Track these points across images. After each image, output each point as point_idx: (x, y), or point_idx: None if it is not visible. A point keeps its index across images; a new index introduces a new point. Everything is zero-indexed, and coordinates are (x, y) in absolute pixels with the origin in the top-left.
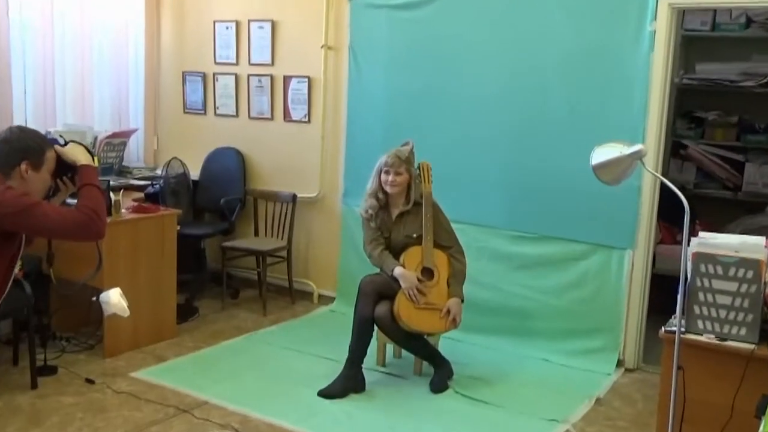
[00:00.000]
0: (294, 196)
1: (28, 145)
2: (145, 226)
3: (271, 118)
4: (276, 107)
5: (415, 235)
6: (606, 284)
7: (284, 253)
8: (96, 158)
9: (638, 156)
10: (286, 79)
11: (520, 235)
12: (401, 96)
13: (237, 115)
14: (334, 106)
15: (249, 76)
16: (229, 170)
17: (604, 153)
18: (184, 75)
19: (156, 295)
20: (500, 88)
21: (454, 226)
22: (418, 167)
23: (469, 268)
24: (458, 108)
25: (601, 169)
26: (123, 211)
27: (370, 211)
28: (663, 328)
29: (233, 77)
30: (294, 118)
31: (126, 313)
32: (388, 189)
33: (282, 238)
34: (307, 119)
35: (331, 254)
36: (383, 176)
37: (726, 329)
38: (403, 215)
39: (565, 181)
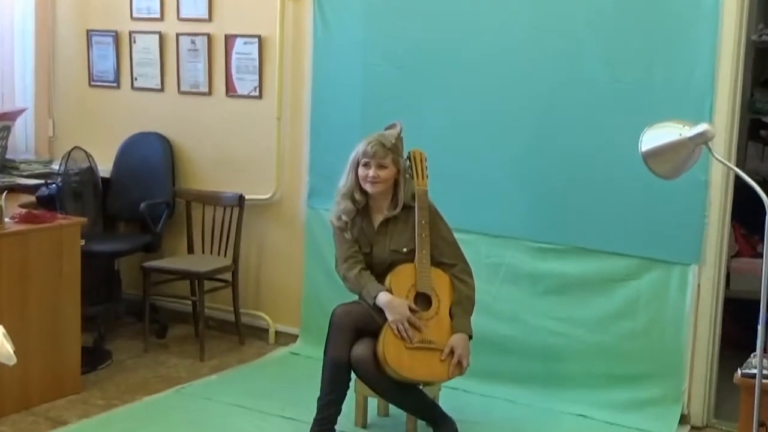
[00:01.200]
0: (241, 199)
1: None
2: (36, 241)
3: (209, 93)
4: (215, 78)
5: (405, 250)
6: (663, 312)
7: (228, 276)
8: None
9: (704, 139)
10: (229, 40)
11: (546, 248)
12: (385, 62)
13: (162, 89)
14: (294, 76)
15: (178, 35)
16: (151, 164)
17: (657, 136)
18: (89, 35)
19: (53, 334)
20: (517, 50)
21: (457, 236)
22: (409, 157)
23: (479, 293)
24: (461, 78)
25: (653, 157)
26: (7, 220)
27: (344, 218)
28: (739, 371)
29: (156, 37)
30: (240, 93)
31: (11, 360)
32: (368, 188)
33: (225, 256)
34: (257, 94)
35: (292, 276)
36: (362, 170)
37: None
38: (389, 223)
39: (605, 174)
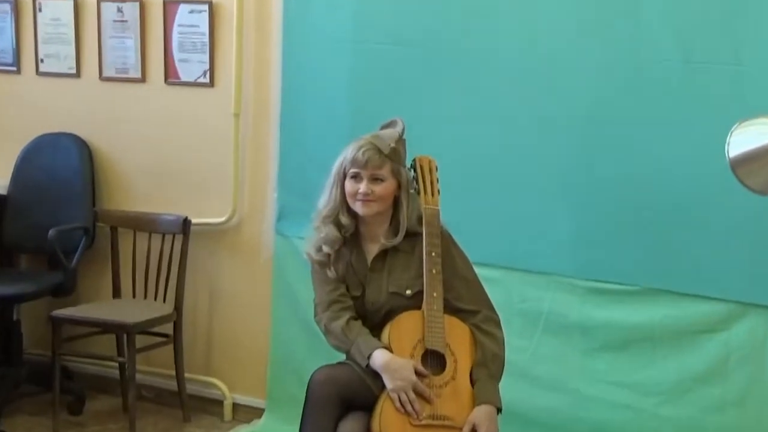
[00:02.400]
0: (186, 224)
1: None
2: None
3: (142, 80)
4: (150, 59)
5: (409, 292)
6: (762, 375)
7: (169, 329)
8: None
9: None
10: (169, 7)
11: (602, 289)
12: (383, 41)
13: (78, 74)
14: (258, 57)
15: (100, 1)
16: (63, 176)
17: (750, 136)
18: None
19: None
20: (557, 33)
21: (481, 273)
22: (413, 167)
23: (511, 351)
24: (484, 64)
25: (744, 165)
26: None
27: (325, 250)
28: None
29: (70, 4)
30: (184, 79)
31: None
32: (358, 208)
33: (164, 301)
34: (207, 81)
35: (256, 329)
36: (350, 185)
37: None
38: (388, 256)
39: (679, 188)
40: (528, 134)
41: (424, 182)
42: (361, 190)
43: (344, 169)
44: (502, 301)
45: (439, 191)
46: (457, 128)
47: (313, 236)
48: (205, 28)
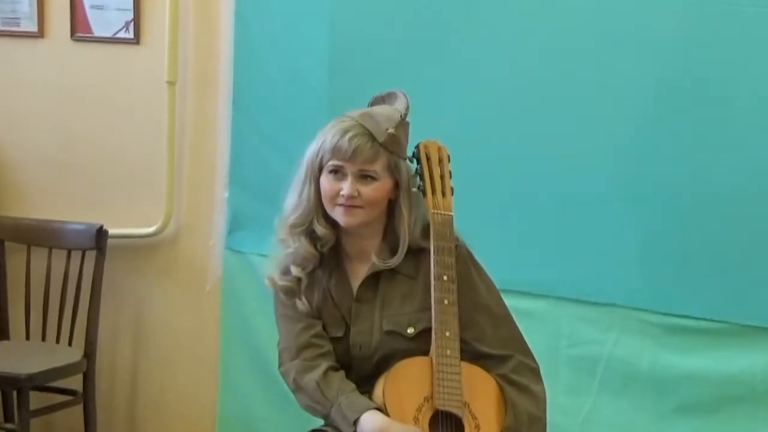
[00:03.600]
0: (100, 236)
1: None
2: None
3: (39, 34)
4: (50, 6)
5: (411, 331)
6: None
7: (78, 382)
8: None
9: None
10: None
11: (684, 326)
12: None
13: None
14: (203, 4)
15: None
16: None
17: None
18: None
19: None
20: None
21: (513, 303)
22: (416, 155)
23: (558, 412)
24: (522, 30)
25: None
26: None
27: (294, 272)
28: None
29: None
30: (98, 35)
31: None
32: (339, 217)
33: (71, 344)
34: (131, 36)
35: (198, 381)
36: (328, 182)
37: None
38: (381, 281)
39: None
40: (577, 123)
41: (431, 178)
42: (343, 192)
43: (320, 160)
44: (543, 343)
45: (452, 190)
46: (479, 108)
47: (277, 253)
48: None
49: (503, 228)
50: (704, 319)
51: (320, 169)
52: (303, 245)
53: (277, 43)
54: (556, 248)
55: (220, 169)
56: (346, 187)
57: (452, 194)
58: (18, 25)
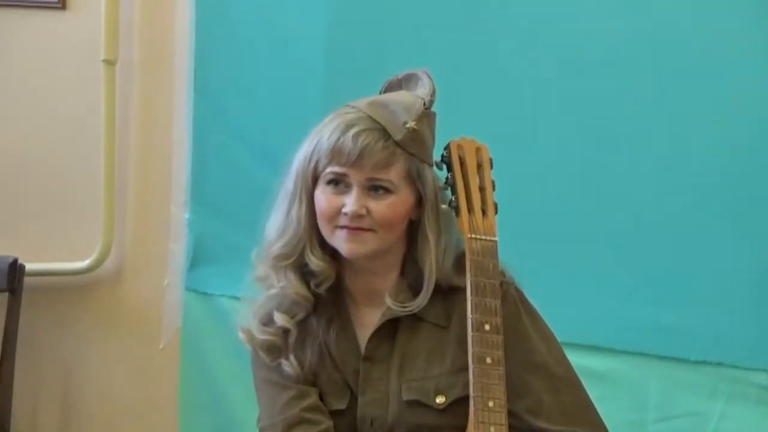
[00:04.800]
0: (14, 272)
1: None
2: None
3: None
4: None
5: (441, 400)
6: None
7: None
8: None
9: None
10: None
11: None
12: None
13: None
14: None
15: None
16: None
17: None
18: None
19: None
20: None
21: (578, 362)
22: (446, 159)
23: None
24: (553, 21)
25: None
26: None
27: (279, 321)
28: None
29: None
30: None
31: None
32: (339, 244)
33: None
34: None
35: None
36: (325, 197)
37: None
38: (398, 330)
39: None
40: (674, 129)
41: (467, 190)
42: (347, 209)
43: (315, 166)
44: (624, 415)
45: (496, 207)
46: (525, 103)
47: (255, 296)
48: None
49: (568, 261)
50: None
51: (315, 180)
52: (291, 284)
53: (256, 9)
54: (642, 289)
55: (177, 182)
56: (350, 202)
57: (496, 213)
58: None
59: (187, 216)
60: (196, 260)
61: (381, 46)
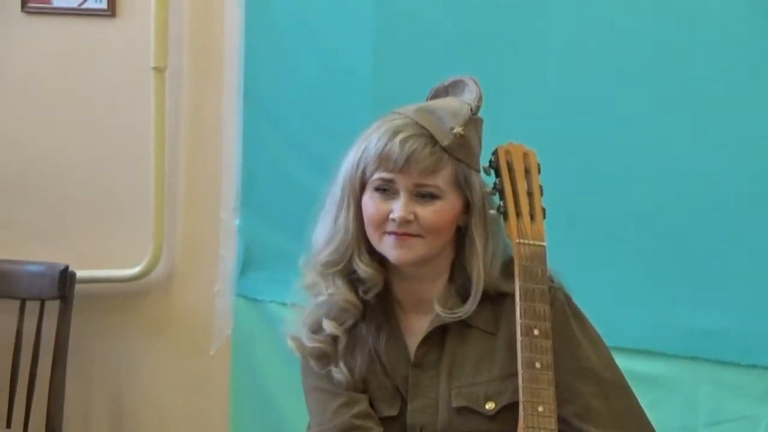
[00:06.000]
0: (66, 279)
1: None
2: None
3: None
4: None
5: (491, 406)
6: None
7: None
8: None
9: None
10: None
11: None
12: None
13: None
14: None
15: None
16: None
17: None
18: None
19: None
20: None
21: (627, 366)
22: (494, 165)
23: None
24: (602, 20)
25: None
26: None
27: (328, 329)
28: None
29: None
30: (59, 4)
31: None
32: (387, 251)
33: (26, 428)
34: (104, 7)
35: None
36: (372, 203)
37: None
38: (447, 337)
39: None
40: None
41: (515, 195)
42: (394, 215)
43: (362, 173)
44: (674, 420)
45: (544, 212)
46: (570, 105)
47: (303, 304)
48: None
49: (616, 263)
50: None
51: (362, 187)
52: (340, 291)
53: (305, 18)
54: (692, 291)
55: (227, 189)
56: (398, 208)
57: (544, 218)
58: None
59: (237, 222)
60: (246, 266)
61: (427, 52)
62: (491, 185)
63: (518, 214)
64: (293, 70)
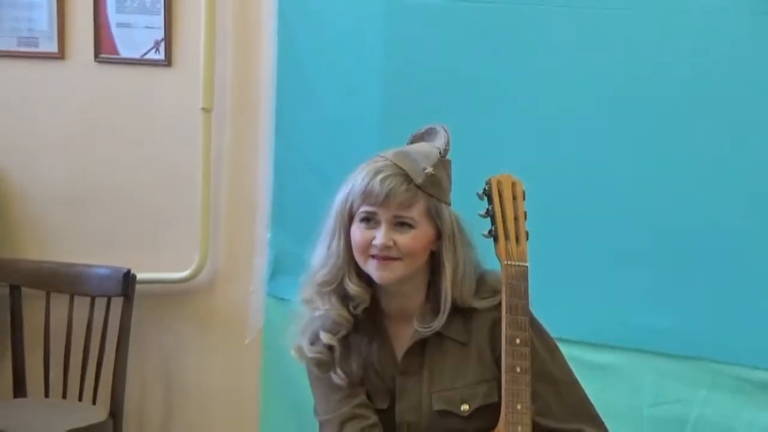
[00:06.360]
0: (128, 281)
1: None
2: None
3: (59, 55)
4: (72, 24)
5: (466, 408)
6: None
7: None
8: None
9: None
10: None
11: None
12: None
13: None
14: (242, 21)
15: None
16: None
17: None
18: None
19: None
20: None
21: (581, 356)
22: (487, 192)
23: None
24: (598, 42)
25: None
26: None
27: (324, 339)
28: None
29: None
30: (125, 55)
31: None
32: (372, 272)
33: (95, 402)
34: (162, 57)
35: None
36: (359, 232)
37: None
38: (428, 347)
39: None
40: (670, 152)
41: (504, 219)
42: (376, 241)
43: (350, 207)
44: (624, 401)
45: (527, 234)
46: (548, 133)
47: (303, 318)
48: None
49: (578, 272)
50: None
51: (350, 218)
52: (334, 307)
53: (326, 66)
54: (641, 295)
55: (262, 207)
56: (379, 236)
57: (527, 239)
58: (36, 45)
59: (268, 236)
60: (275, 272)
61: (429, 93)
62: (485, 210)
63: (506, 237)
64: (316, 111)
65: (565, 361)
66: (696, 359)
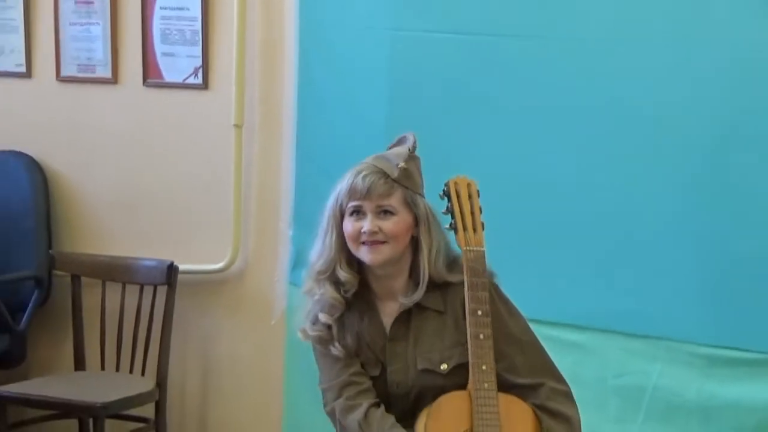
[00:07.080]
0: (171, 271)
1: None
2: None
3: (113, 80)
4: (124, 53)
5: (445, 366)
6: None
7: (150, 411)
8: None
9: None
10: None
11: (731, 358)
12: (432, 31)
13: (29, 74)
14: (267, 51)
15: None
16: (10, 208)
17: None
18: None
19: None
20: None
21: (559, 335)
22: (446, 192)
23: None
24: (573, 67)
25: None
26: None
27: (322, 319)
28: None
29: None
30: (169, 80)
31: None
32: (364, 256)
33: (144, 374)
34: (200, 81)
35: (264, 410)
36: (350, 224)
37: None
38: (412, 318)
39: None
40: (630, 145)
41: (462, 214)
42: (365, 228)
43: (340, 204)
44: (593, 373)
45: (483, 225)
46: (529, 146)
47: (305, 304)
48: (197, 12)
49: (555, 261)
50: (749, 350)
51: (341, 215)
52: (328, 291)
53: (338, 89)
54: (607, 281)
55: (285, 208)
56: (366, 224)
57: (483, 229)
58: (93, 71)
59: (290, 233)
60: (296, 263)
61: (428, 114)
62: (446, 207)
63: (464, 228)
64: (329, 127)
65: (527, 324)
66: (653, 338)
